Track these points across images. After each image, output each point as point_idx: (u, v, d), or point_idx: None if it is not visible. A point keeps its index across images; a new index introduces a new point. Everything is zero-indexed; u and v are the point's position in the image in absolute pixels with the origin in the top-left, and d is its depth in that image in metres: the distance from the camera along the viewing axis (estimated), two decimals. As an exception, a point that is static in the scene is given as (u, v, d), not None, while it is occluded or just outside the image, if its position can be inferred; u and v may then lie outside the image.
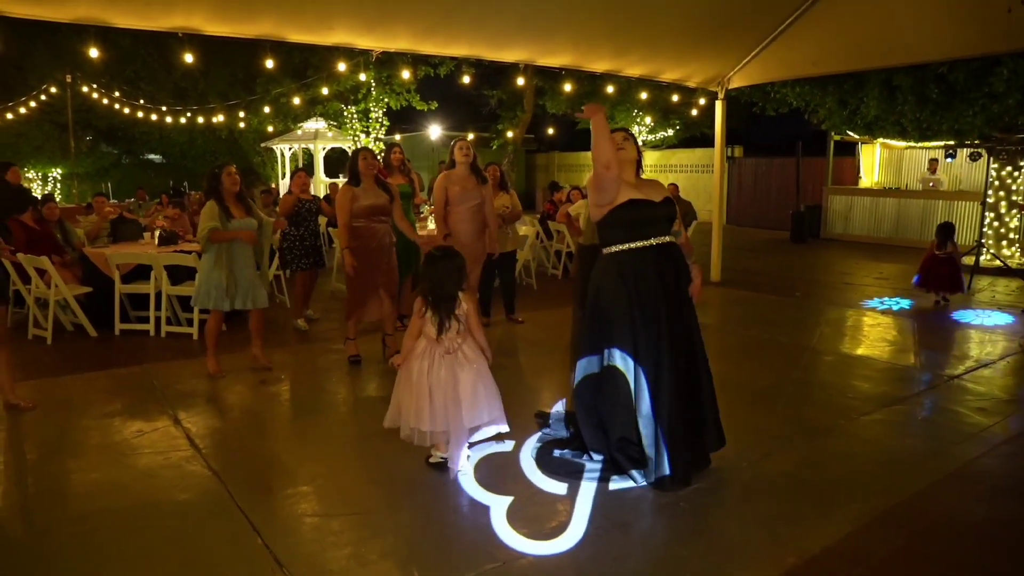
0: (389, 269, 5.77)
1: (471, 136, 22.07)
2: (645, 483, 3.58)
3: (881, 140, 15.35)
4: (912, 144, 14.72)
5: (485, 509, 3.42)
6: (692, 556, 3.03)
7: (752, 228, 18.52)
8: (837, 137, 15.84)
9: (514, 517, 3.35)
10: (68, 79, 16.39)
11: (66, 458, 4.08)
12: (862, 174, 16.60)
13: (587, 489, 3.60)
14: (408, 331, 3.80)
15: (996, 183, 11.31)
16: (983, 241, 10.58)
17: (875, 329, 7.30)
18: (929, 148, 14.90)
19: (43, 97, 16.64)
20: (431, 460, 3.86)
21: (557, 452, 3.98)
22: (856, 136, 15.31)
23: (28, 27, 15.94)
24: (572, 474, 3.74)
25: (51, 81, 16.70)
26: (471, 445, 4.00)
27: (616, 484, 3.61)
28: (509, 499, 3.52)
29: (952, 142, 13.48)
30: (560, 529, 3.24)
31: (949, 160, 14.37)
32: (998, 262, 10.74)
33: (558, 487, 3.64)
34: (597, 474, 3.71)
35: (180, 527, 3.30)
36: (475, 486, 3.65)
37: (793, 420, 4.61)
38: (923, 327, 7.28)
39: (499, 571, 2.93)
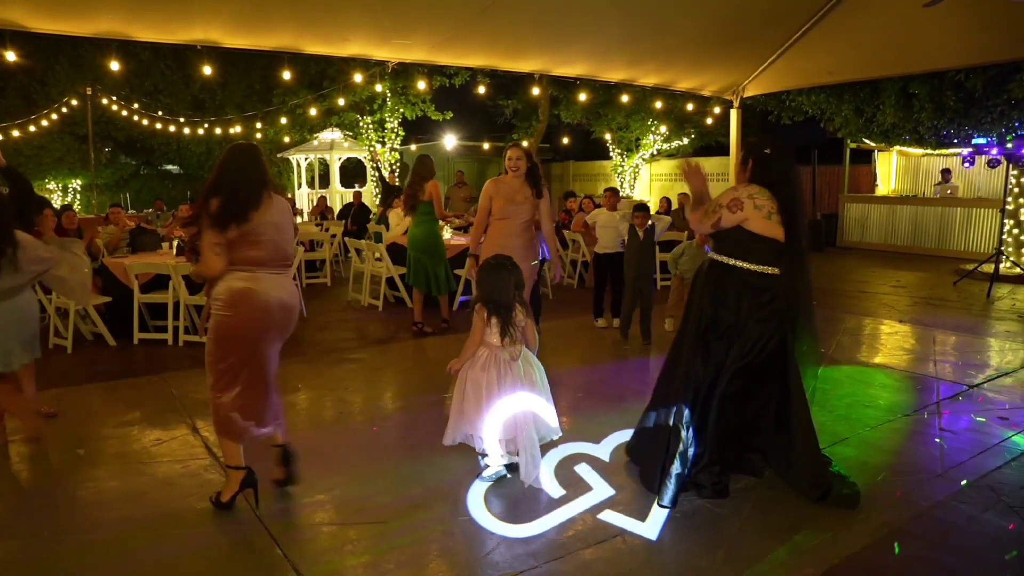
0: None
1: (486, 146, 22.15)
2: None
3: (898, 148, 15.26)
4: (929, 151, 14.62)
5: (505, 519, 3.42)
6: (710, 567, 3.02)
7: (768, 236, 18.42)
8: (853, 145, 15.75)
9: (532, 528, 3.35)
10: (88, 92, 16.62)
11: (85, 466, 4.12)
12: (878, 182, 16.50)
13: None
14: (470, 338, 3.81)
15: (1016, 190, 11.20)
16: (1003, 249, 10.48)
17: (893, 338, 7.24)
18: (947, 155, 14.79)
19: (64, 109, 16.86)
20: (487, 473, 3.83)
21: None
22: (872, 144, 15.22)
23: (51, 42, 16.21)
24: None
25: (72, 94, 16.92)
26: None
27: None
28: (526, 509, 3.52)
29: (970, 149, 13.37)
30: (579, 540, 3.24)
31: (967, 167, 14.26)
32: (1018, 270, 10.63)
33: (576, 498, 3.64)
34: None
35: (198, 535, 3.32)
36: (496, 497, 3.65)
37: (811, 430, 4.57)
38: (942, 336, 7.21)
39: (516, 581, 2.93)
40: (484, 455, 3.82)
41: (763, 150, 3.55)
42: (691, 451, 3.52)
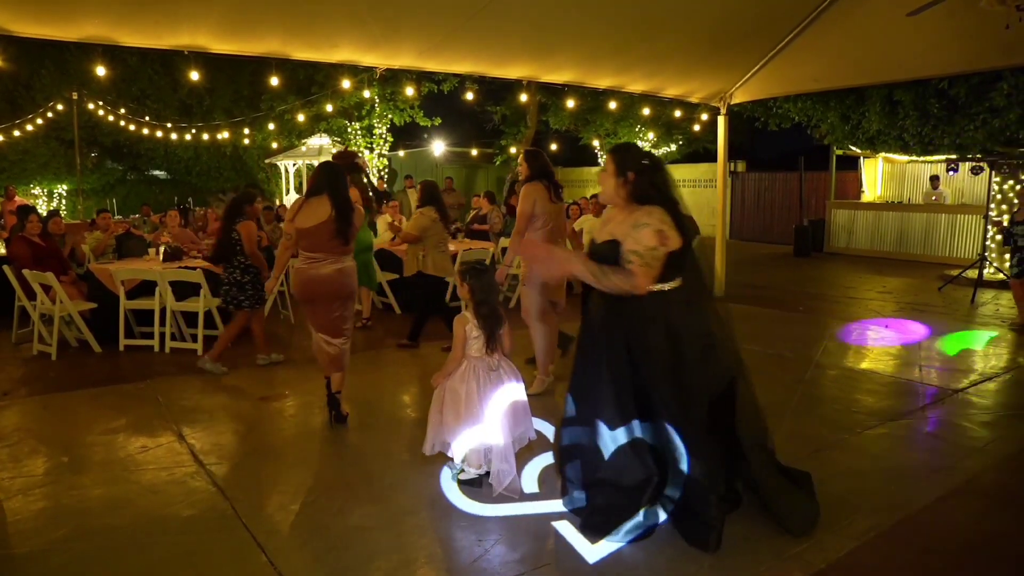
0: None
1: (475, 152, 22.16)
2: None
3: (883, 154, 15.38)
4: (914, 158, 14.75)
5: (491, 526, 3.42)
6: (698, 572, 3.02)
7: (756, 242, 18.52)
8: (839, 151, 15.86)
9: (518, 534, 3.34)
10: (74, 96, 16.52)
11: (70, 474, 4.09)
12: (865, 188, 16.62)
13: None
14: (452, 352, 3.80)
15: (998, 197, 11.31)
16: (986, 255, 10.57)
17: (879, 343, 7.29)
18: (931, 162, 14.93)
19: (50, 114, 16.75)
20: (463, 477, 3.83)
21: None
22: (858, 150, 15.33)
23: (36, 46, 16.10)
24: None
25: (58, 98, 16.82)
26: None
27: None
28: (513, 515, 3.51)
29: (954, 156, 13.49)
30: (566, 547, 3.23)
31: (951, 174, 14.39)
32: (1001, 275, 10.72)
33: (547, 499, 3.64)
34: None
35: (184, 543, 3.30)
36: (484, 503, 3.64)
37: (798, 435, 4.60)
38: (927, 341, 7.27)
39: (503, 587, 2.92)
40: (462, 461, 3.83)
41: (642, 161, 3.27)
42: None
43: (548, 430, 4.52)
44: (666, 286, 3.23)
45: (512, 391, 3.75)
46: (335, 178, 4.78)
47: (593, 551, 3.17)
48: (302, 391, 5.65)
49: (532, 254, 3.15)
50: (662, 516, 3.27)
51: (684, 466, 3.15)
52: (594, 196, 7.79)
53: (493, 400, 3.68)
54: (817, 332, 7.73)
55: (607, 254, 3.23)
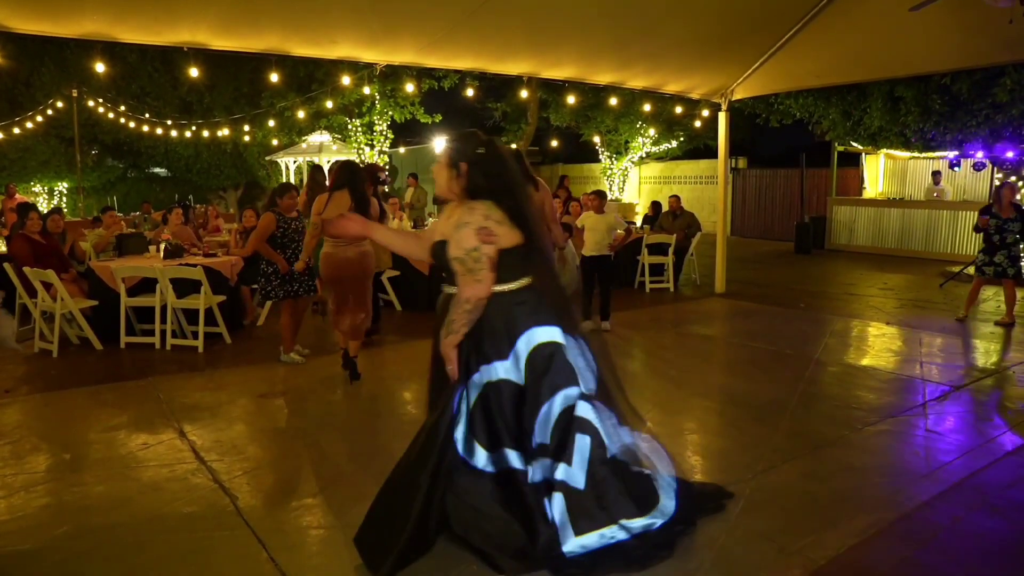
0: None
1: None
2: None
3: (885, 151, 15.36)
4: (916, 155, 14.73)
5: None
6: (697, 570, 3.02)
7: (757, 239, 18.52)
8: (841, 148, 15.85)
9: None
10: (74, 94, 16.52)
11: (71, 471, 4.09)
12: (866, 185, 16.60)
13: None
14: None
15: (1000, 193, 11.29)
16: (988, 251, 10.55)
17: (880, 340, 7.28)
18: (933, 158, 14.91)
19: (49, 112, 16.74)
20: None
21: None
22: (860, 147, 15.31)
23: (36, 44, 16.10)
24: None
25: (58, 96, 16.81)
26: None
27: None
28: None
29: (956, 152, 13.47)
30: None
31: (954, 170, 14.37)
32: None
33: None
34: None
35: (186, 541, 3.30)
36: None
37: (798, 432, 4.60)
38: (927, 338, 7.26)
39: (504, 584, 2.92)
40: None
41: (476, 150, 2.92)
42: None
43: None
44: (509, 286, 2.95)
45: None
46: (354, 175, 5.67)
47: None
48: (299, 386, 5.65)
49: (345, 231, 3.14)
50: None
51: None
52: (595, 192, 7.74)
53: None
54: (818, 329, 7.73)
55: (440, 254, 2.97)
